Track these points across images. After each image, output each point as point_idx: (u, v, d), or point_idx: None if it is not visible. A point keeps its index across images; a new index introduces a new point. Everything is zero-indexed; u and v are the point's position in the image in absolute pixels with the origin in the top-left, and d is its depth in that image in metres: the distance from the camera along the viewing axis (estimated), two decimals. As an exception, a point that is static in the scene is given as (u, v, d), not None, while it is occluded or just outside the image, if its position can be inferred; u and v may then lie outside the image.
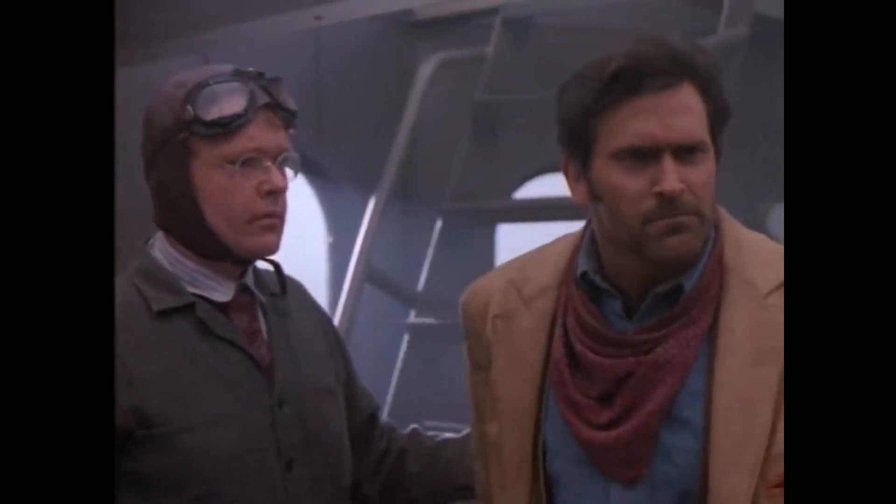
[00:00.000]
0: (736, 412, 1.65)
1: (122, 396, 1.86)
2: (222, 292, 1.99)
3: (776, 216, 4.11)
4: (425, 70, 4.23)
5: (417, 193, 4.52)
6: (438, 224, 4.15)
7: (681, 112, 1.66)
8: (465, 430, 2.19)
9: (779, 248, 1.72)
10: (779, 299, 1.66)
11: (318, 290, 4.44)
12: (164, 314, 1.95)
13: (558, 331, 1.77)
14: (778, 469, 1.63)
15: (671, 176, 1.65)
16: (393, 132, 4.15)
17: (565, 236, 1.86)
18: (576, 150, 1.73)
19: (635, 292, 1.73)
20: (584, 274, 1.75)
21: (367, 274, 4.01)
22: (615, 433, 1.69)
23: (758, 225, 1.85)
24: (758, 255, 1.72)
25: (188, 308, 1.96)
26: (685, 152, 1.67)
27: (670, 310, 1.70)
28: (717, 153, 1.71)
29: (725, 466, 1.64)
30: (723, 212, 1.77)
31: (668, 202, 1.66)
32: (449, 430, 2.28)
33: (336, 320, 3.81)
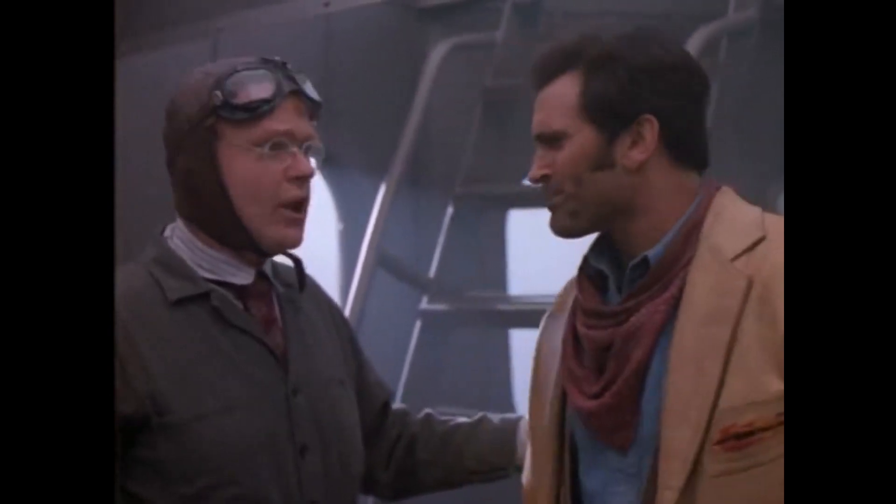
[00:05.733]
0: (686, 369, 1.70)
1: (138, 384, 1.90)
2: (242, 277, 2.02)
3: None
4: (436, 55, 4.22)
5: (428, 179, 4.50)
6: (450, 209, 4.14)
7: (544, 106, 1.84)
8: (479, 415, 2.20)
9: (760, 218, 1.76)
10: (743, 264, 1.71)
11: (330, 277, 4.43)
12: (179, 303, 1.97)
13: (572, 306, 1.87)
14: (722, 425, 1.67)
15: (533, 165, 1.83)
16: (403, 118, 4.14)
17: None
18: None
19: (621, 268, 1.81)
20: (588, 254, 1.85)
21: (379, 260, 4.00)
22: (598, 402, 1.76)
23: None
24: (734, 224, 1.76)
25: (204, 297, 1.98)
26: (550, 140, 1.82)
27: (641, 280, 1.77)
28: (612, 128, 1.78)
29: (673, 422, 1.69)
30: (722, 188, 1.82)
31: (543, 189, 1.82)
32: (462, 415, 2.28)
33: (348, 307, 3.82)
